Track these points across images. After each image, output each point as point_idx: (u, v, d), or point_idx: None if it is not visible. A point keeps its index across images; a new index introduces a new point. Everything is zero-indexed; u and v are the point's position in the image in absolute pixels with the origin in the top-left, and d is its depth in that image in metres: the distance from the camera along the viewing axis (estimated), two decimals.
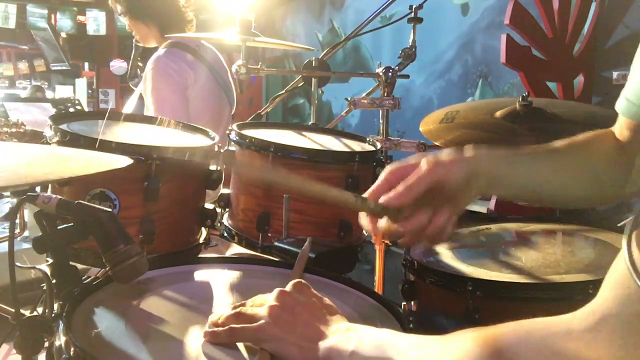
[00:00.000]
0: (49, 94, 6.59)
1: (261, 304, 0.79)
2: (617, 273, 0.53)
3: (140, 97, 2.38)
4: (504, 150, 0.95)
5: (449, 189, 0.88)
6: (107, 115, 1.33)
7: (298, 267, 1.01)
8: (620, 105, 0.97)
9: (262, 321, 0.75)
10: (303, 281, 0.82)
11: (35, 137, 1.72)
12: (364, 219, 0.94)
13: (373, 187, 0.91)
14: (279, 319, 0.75)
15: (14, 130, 1.71)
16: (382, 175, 0.92)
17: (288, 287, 0.81)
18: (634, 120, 0.96)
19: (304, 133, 1.52)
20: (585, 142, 1.01)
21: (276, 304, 0.77)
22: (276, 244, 1.21)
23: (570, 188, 1.00)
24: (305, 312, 0.77)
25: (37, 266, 0.93)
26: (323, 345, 0.72)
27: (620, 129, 1.01)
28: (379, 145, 1.45)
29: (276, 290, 0.79)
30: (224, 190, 1.38)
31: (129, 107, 2.53)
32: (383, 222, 0.90)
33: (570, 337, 0.54)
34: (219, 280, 1.04)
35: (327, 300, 0.82)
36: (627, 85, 0.95)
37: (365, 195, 0.90)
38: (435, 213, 0.88)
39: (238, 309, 0.79)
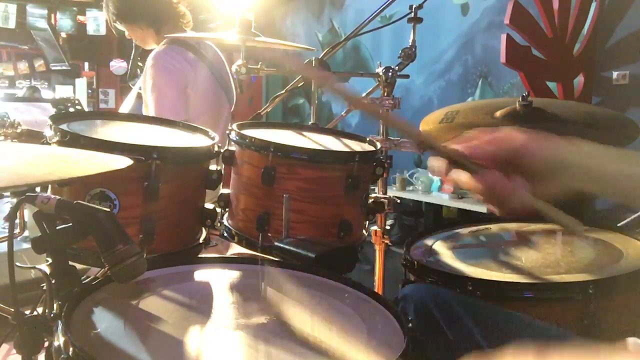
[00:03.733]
0: (49, 94, 6.59)
1: None
2: None
3: (139, 96, 2.38)
4: (595, 145, 0.88)
5: (530, 168, 0.83)
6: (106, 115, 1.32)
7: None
8: None
9: None
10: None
11: (31, 136, 1.71)
12: (437, 163, 0.88)
13: (459, 138, 0.87)
14: None
15: (9, 130, 1.70)
16: (471, 133, 0.87)
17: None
18: None
19: (304, 133, 1.52)
20: None
21: None
22: (276, 244, 1.21)
23: None
24: None
25: (36, 266, 0.93)
26: None
27: None
28: (379, 145, 1.45)
29: None
30: (224, 190, 1.38)
31: (126, 105, 2.52)
32: (458, 172, 0.86)
33: None
34: (219, 280, 1.04)
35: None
36: None
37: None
38: (511, 178, 0.83)
39: None
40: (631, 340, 0.93)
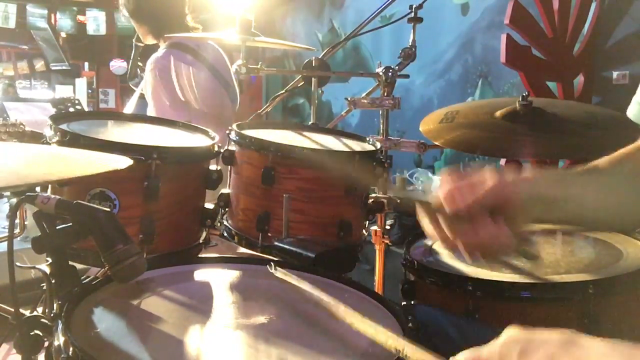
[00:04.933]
0: (49, 94, 6.59)
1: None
2: None
3: (141, 97, 2.39)
4: (556, 172, 0.92)
5: (511, 209, 0.85)
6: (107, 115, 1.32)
7: None
8: (632, 111, 0.95)
9: None
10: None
11: (35, 138, 1.72)
12: (427, 224, 0.89)
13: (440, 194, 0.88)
14: None
15: (12, 130, 1.71)
16: (444, 187, 0.88)
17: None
18: None
19: (304, 133, 1.52)
20: (623, 156, 0.96)
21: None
22: (276, 243, 1.21)
23: (622, 205, 0.95)
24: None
25: (36, 266, 0.93)
26: None
27: None
28: (379, 145, 1.45)
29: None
30: (224, 191, 1.38)
31: (129, 107, 2.54)
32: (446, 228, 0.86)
33: None
34: (219, 280, 1.04)
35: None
36: (638, 91, 0.94)
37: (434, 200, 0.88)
38: (497, 226, 0.85)
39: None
40: None
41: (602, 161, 0.95)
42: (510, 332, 0.61)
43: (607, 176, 0.94)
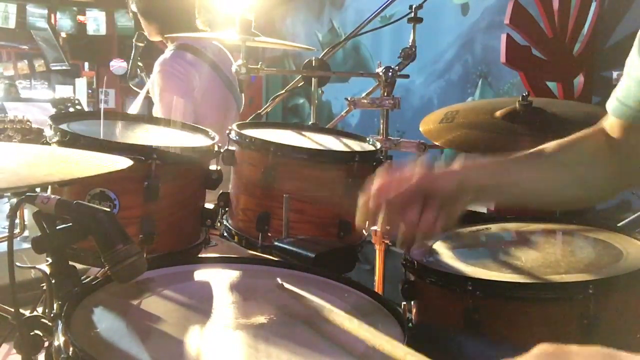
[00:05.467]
0: (49, 94, 6.59)
1: None
2: None
3: (146, 97, 2.39)
4: (490, 160, 0.99)
5: (440, 199, 0.92)
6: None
7: None
8: (611, 105, 0.99)
9: None
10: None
11: (40, 135, 1.74)
12: (361, 219, 0.98)
13: (372, 189, 0.96)
14: None
15: (19, 126, 1.74)
16: (377, 181, 0.96)
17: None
18: (623, 120, 0.98)
19: (304, 133, 1.52)
20: (571, 142, 1.03)
21: None
22: (276, 243, 1.21)
23: (556, 190, 1.02)
24: None
25: (36, 266, 0.93)
26: None
27: (612, 128, 1.02)
28: (379, 145, 1.45)
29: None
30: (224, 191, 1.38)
31: (134, 107, 2.54)
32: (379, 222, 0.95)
33: None
34: (219, 280, 1.04)
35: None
36: (619, 86, 0.97)
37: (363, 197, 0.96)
38: (425, 209, 0.92)
39: None
40: None
41: (550, 145, 1.02)
42: (543, 347, 0.57)
43: (549, 162, 1.01)
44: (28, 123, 1.79)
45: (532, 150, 1.01)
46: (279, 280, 0.96)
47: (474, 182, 0.95)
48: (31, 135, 1.76)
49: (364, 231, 1.40)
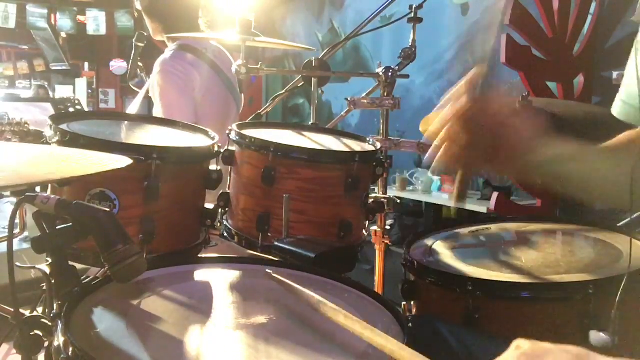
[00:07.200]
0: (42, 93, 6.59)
1: None
2: None
3: (146, 97, 2.39)
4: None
5: (507, 143, 0.91)
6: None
7: None
8: (616, 108, 0.97)
9: None
10: None
11: (38, 137, 1.74)
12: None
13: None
14: None
15: (17, 129, 1.73)
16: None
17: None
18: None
19: (304, 133, 1.52)
20: (628, 142, 1.00)
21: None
22: (276, 244, 1.21)
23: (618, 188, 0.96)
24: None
25: (36, 266, 0.93)
26: None
27: None
28: (379, 145, 1.45)
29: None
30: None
31: (133, 107, 2.54)
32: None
33: None
34: (219, 281, 1.04)
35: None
36: (621, 89, 0.96)
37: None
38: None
39: None
40: (593, 333, 0.94)
41: (610, 143, 0.99)
42: (520, 344, 0.59)
43: (617, 154, 0.97)
44: (26, 125, 1.79)
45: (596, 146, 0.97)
46: (267, 270, 0.95)
47: (552, 159, 0.92)
48: (30, 137, 1.76)
49: (363, 231, 1.40)
